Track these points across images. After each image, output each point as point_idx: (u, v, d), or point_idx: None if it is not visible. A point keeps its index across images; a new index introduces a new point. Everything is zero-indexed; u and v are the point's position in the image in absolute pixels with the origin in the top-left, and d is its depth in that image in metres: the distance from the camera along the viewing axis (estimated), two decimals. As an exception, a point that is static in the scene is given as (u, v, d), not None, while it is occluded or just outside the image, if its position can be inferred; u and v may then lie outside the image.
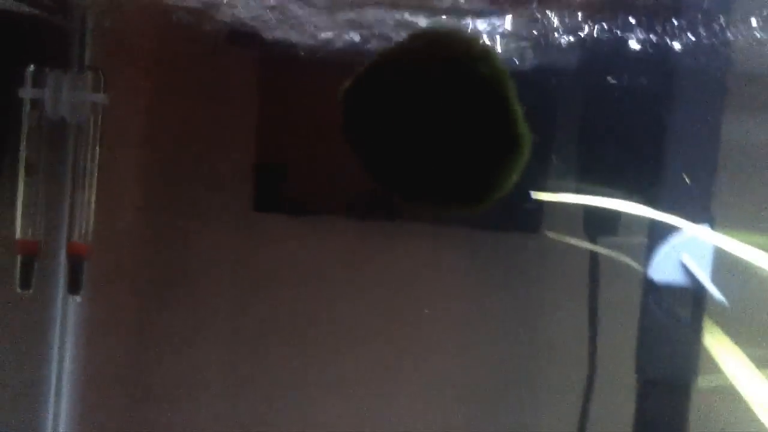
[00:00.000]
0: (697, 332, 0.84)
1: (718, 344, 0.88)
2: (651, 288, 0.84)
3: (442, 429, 1.16)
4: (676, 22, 0.81)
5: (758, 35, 0.81)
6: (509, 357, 1.13)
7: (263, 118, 1.08)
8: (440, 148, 0.52)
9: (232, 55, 1.07)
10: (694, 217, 0.81)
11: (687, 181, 0.84)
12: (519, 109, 0.52)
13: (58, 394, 1.20)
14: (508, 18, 0.85)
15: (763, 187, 1.00)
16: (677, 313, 0.84)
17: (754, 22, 0.80)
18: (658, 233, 0.84)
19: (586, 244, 0.96)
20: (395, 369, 1.16)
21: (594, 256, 0.99)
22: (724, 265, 0.83)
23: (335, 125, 1.02)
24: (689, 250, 0.82)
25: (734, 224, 0.82)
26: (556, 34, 0.85)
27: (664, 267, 0.83)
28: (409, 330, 1.15)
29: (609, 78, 0.90)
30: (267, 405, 1.19)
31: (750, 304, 0.89)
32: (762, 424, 0.85)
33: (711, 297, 0.82)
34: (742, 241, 0.82)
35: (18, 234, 0.99)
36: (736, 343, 0.87)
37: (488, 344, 1.14)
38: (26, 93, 0.97)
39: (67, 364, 1.20)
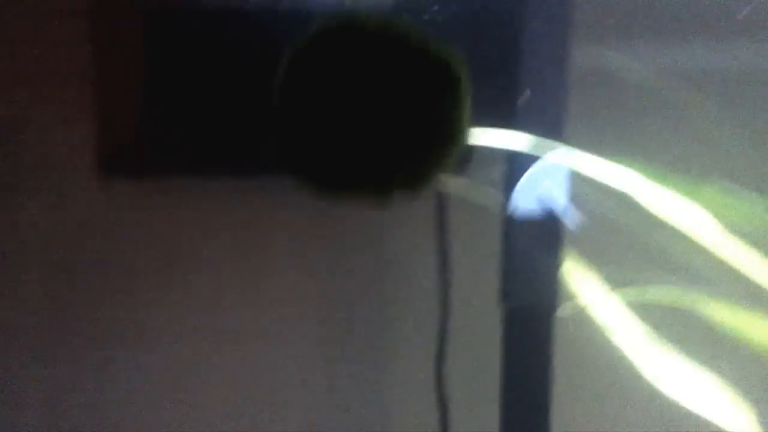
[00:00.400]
0: (556, 259, 0.88)
1: (574, 270, 0.93)
2: (511, 223, 0.87)
3: (297, 379, 1.16)
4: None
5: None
6: (362, 312, 1.15)
7: (107, 72, 1.02)
8: (385, 126, 0.51)
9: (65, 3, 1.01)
10: (549, 145, 0.84)
11: (528, 95, 0.87)
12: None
13: None
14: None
15: (613, 111, 1.05)
16: (537, 241, 0.87)
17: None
18: (516, 164, 0.86)
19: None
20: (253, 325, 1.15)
21: (444, 195, 1.01)
22: (579, 191, 0.87)
23: (186, 78, 1.00)
24: (547, 179, 0.85)
25: (587, 149, 0.86)
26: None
27: (523, 197, 0.86)
28: (264, 286, 1.14)
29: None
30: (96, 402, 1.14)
31: (604, 227, 0.93)
32: (613, 344, 0.91)
33: (569, 223, 0.86)
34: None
35: None
36: (593, 264, 0.92)
37: (339, 301, 1.15)
38: None
39: None
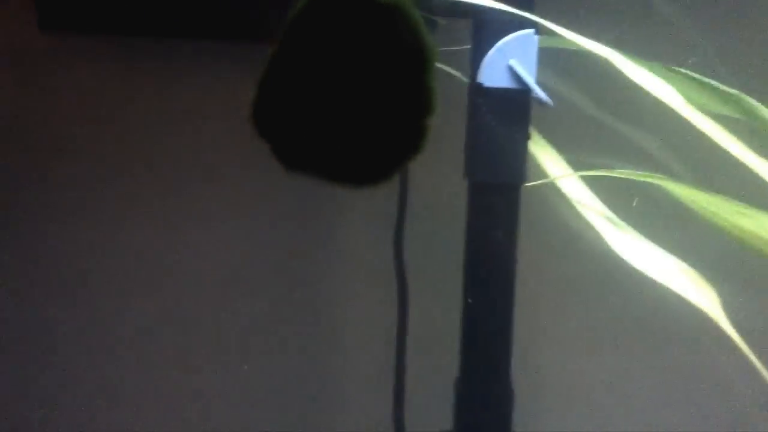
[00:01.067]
0: (523, 134, 0.86)
1: (540, 148, 0.91)
2: (479, 94, 0.85)
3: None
4: None
5: None
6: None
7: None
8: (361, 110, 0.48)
9: None
10: (520, 16, 0.82)
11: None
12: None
13: None
14: None
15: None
16: (504, 117, 0.85)
17: None
18: (485, 35, 0.84)
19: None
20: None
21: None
22: (549, 65, 0.85)
23: None
24: (515, 54, 0.83)
25: (558, 23, 0.83)
26: None
27: (492, 72, 0.84)
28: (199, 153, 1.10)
29: None
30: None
31: (572, 103, 0.92)
32: (581, 214, 0.90)
33: (537, 98, 0.84)
34: (562, 42, 0.84)
35: None
36: (559, 142, 0.91)
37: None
38: None
39: None
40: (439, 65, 0.93)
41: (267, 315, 1.14)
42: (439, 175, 0.99)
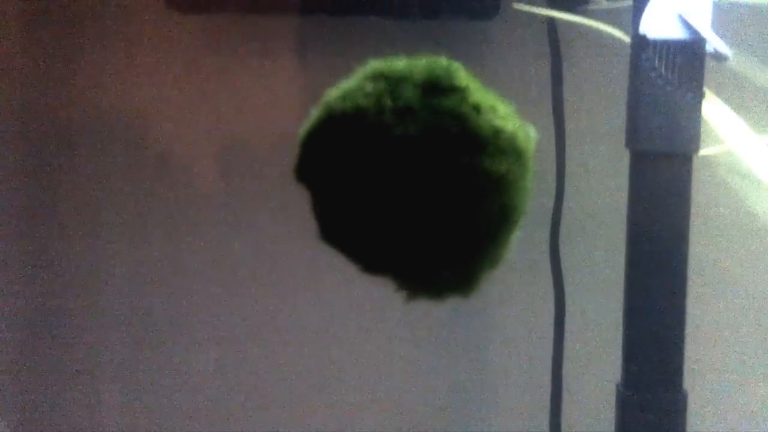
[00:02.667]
0: (697, 94, 0.74)
1: (714, 109, 0.79)
2: (642, 48, 0.73)
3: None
4: None
5: None
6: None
7: None
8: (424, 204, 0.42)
9: None
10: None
11: None
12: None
13: None
14: None
15: None
16: (673, 74, 0.74)
17: None
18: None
19: (560, 14, 0.85)
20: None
21: (554, 31, 0.89)
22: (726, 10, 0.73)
23: None
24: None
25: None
26: None
27: (657, 21, 0.73)
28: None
29: None
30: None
31: (750, 61, 0.80)
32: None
33: (712, 50, 0.72)
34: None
35: None
36: (738, 101, 0.78)
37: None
38: None
39: None
40: (596, 23, 0.83)
41: (421, 316, 1.06)
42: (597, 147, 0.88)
